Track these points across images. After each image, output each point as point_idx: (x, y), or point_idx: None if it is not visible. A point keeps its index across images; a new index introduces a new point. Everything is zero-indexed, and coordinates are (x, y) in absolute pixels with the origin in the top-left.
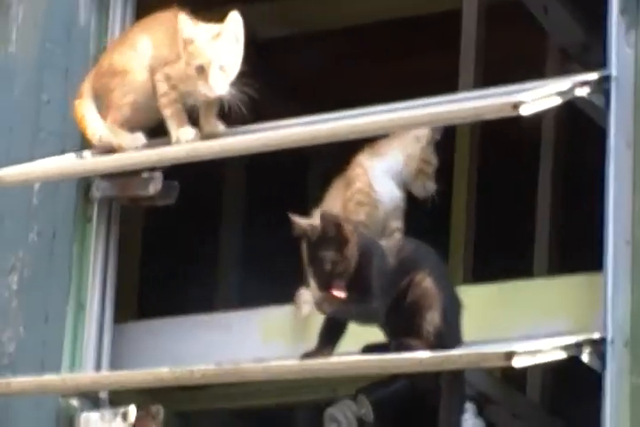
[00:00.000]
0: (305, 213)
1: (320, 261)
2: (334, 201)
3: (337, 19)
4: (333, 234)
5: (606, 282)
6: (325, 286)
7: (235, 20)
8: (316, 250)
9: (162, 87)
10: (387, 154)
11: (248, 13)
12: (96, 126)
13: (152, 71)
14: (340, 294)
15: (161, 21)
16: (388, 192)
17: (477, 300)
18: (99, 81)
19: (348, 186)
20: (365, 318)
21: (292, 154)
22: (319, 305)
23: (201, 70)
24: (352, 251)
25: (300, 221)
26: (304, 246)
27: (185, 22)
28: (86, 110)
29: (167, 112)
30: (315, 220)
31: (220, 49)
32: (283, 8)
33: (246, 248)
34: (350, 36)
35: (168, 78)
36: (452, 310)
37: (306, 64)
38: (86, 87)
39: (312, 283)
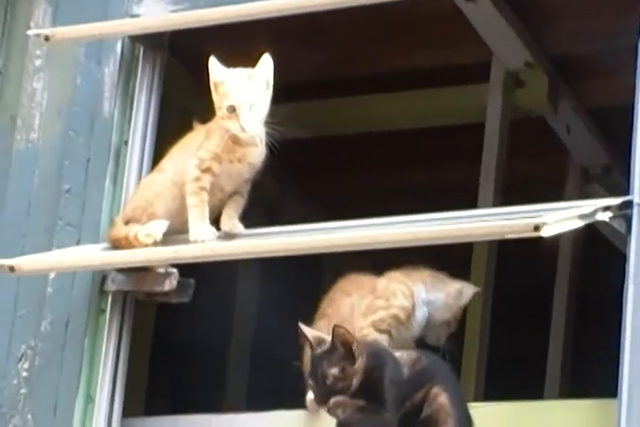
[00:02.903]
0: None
1: (322, 376)
2: (346, 305)
3: (360, 124)
4: (342, 351)
5: (620, 410)
6: (324, 400)
7: (267, 62)
8: (319, 363)
9: (193, 173)
10: (432, 289)
11: (268, 114)
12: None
13: (176, 183)
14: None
15: (187, 137)
16: (421, 321)
17: (488, 419)
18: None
19: (385, 297)
20: None
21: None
22: (333, 409)
23: (232, 110)
24: (358, 368)
25: (308, 330)
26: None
27: (215, 65)
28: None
29: (191, 201)
30: (319, 332)
31: (250, 89)
32: (304, 110)
33: (257, 349)
34: (373, 142)
35: (202, 161)
36: None
37: (326, 168)
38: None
39: (310, 394)
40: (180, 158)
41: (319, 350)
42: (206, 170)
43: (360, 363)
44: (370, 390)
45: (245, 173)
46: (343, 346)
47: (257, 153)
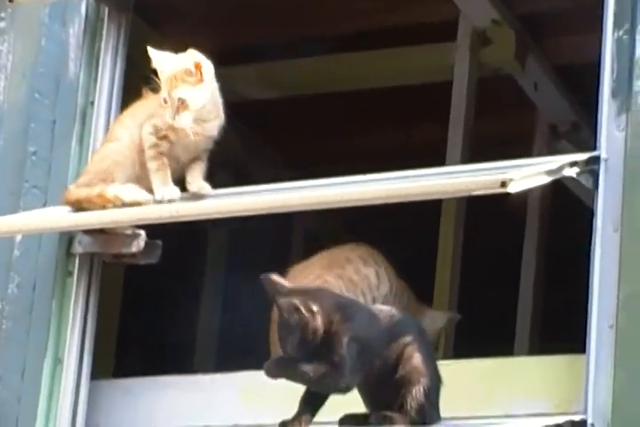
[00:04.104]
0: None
1: (284, 342)
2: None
3: (327, 83)
4: (294, 320)
5: (589, 365)
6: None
7: (193, 56)
8: (280, 326)
9: (149, 140)
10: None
11: (235, 75)
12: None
13: (132, 150)
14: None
15: (138, 105)
16: None
17: (458, 375)
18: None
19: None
20: (332, 389)
21: (277, 215)
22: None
23: (164, 102)
24: (314, 330)
25: (276, 279)
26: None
27: (154, 53)
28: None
29: (153, 165)
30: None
31: (183, 85)
32: (271, 70)
33: (227, 309)
34: (340, 101)
35: (157, 130)
36: (435, 386)
37: (294, 129)
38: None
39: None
40: (132, 125)
41: (284, 317)
42: (163, 137)
43: (315, 324)
44: (328, 345)
45: (202, 144)
46: (295, 315)
47: (214, 127)
